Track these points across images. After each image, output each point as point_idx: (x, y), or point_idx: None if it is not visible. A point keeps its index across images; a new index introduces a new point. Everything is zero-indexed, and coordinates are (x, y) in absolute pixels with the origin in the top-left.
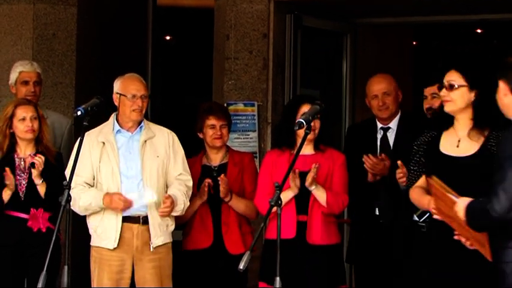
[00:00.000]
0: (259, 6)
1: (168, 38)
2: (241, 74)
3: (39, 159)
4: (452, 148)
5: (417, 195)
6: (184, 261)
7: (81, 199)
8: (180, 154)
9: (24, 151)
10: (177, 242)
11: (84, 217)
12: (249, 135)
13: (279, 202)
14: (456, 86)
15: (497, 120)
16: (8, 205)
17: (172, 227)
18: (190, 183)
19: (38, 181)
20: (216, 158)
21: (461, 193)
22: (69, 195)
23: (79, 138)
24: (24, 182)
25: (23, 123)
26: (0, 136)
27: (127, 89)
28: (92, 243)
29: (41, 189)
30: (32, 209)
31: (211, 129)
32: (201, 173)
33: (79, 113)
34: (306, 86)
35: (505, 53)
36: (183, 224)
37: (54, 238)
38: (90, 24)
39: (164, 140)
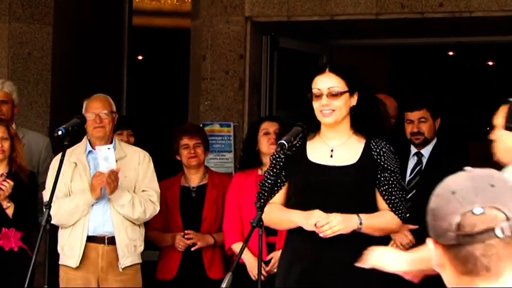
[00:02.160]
0: (236, 27)
1: (143, 58)
2: (217, 95)
3: (7, 184)
4: (325, 158)
5: (284, 212)
6: None
7: (65, 204)
8: (149, 172)
9: None
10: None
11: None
12: (224, 155)
13: (261, 223)
14: (340, 92)
15: (376, 126)
16: None
17: (141, 248)
18: (154, 198)
19: (5, 204)
20: (194, 179)
21: (339, 206)
22: (49, 216)
23: (59, 158)
24: None
25: None
26: None
27: (88, 108)
28: (59, 262)
29: (9, 211)
30: (3, 229)
31: (185, 149)
32: (179, 194)
33: (60, 132)
34: (282, 107)
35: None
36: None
37: (34, 257)
38: (65, 43)
39: (135, 160)
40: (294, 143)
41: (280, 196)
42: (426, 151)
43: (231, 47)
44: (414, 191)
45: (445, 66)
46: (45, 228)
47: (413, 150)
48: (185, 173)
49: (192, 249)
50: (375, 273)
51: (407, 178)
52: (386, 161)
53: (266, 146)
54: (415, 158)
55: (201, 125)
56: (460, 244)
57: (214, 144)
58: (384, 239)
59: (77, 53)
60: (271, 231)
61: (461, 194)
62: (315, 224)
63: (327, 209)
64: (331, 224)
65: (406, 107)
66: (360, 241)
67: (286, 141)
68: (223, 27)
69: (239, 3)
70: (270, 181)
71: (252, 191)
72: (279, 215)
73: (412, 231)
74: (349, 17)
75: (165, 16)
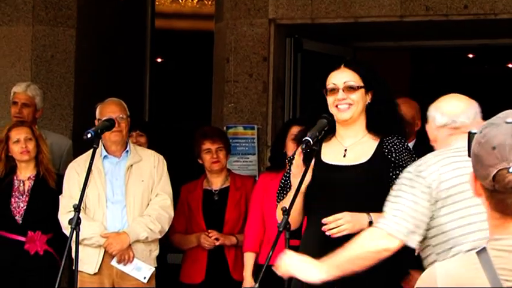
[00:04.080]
0: (260, 30)
1: (165, 60)
2: (241, 97)
3: None
4: (338, 158)
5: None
6: None
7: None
8: (164, 175)
9: (24, 173)
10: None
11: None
12: (248, 158)
13: (288, 226)
14: (357, 86)
15: (392, 125)
16: (5, 227)
17: (156, 252)
18: (168, 202)
19: None
20: (216, 182)
21: (350, 205)
22: (79, 218)
23: (81, 162)
24: (22, 205)
25: (18, 145)
26: None
27: (104, 113)
28: (78, 268)
29: None
30: (29, 232)
31: (208, 153)
32: (202, 197)
33: (89, 135)
34: (305, 109)
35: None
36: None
37: (64, 261)
38: (88, 46)
39: (150, 164)
40: (319, 137)
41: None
42: None
43: (254, 50)
44: None
45: (465, 69)
46: (76, 231)
47: None
48: (207, 176)
49: (216, 243)
50: (386, 270)
51: None
52: (398, 158)
53: (292, 151)
54: None
55: (225, 128)
56: (495, 191)
57: (237, 147)
58: None
59: (99, 55)
60: (293, 234)
61: (500, 151)
62: (322, 224)
63: (336, 209)
64: (338, 222)
65: None
66: None
67: (311, 137)
68: (246, 29)
69: (263, 5)
70: (286, 182)
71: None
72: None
73: None
74: (373, 19)
75: (185, 19)
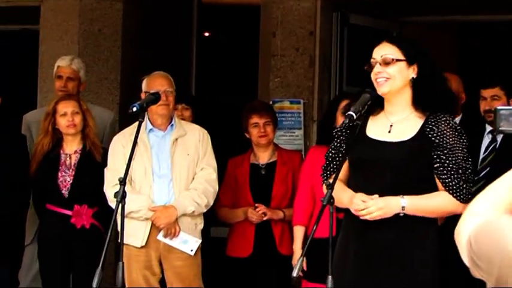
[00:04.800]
0: (306, 4)
1: (212, 34)
2: (287, 72)
3: None
4: (383, 133)
5: (337, 191)
6: (226, 267)
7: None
8: (208, 150)
9: (70, 147)
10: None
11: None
12: (294, 132)
13: (331, 201)
14: (393, 59)
15: (438, 101)
16: (52, 201)
17: (201, 226)
18: (213, 176)
19: None
20: (263, 156)
21: (390, 184)
22: (124, 192)
23: (134, 138)
24: (69, 179)
25: (64, 118)
26: (42, 133)
27: (151, 86)
28: (123, 241)
29: None
30: (75, 206)
31: (255, 127)
32: (249, 171)
33: (134, 109)
34: (352, 84)
35: None
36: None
37: (109, 234)
38: (135, 20)
39: (195, 138)
40: (363, 111)
41: (342, 172)
42: None
43: (301, 24)
44: (488, 169)
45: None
46: (122, 204)
47: (488, 128)
48: (254, 150)
49: (264, 218)
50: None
51: (482, 156)
52: (441, 138)
53: None
54: (490, 136)
55: (271, 102)
56: None
57: (284, 122)
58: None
59: (146, 29)
60: (338, 208)
61: None
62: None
63: (377, 187)
64: (369, 209)
65: (481, 83)
66: (405, 223)
67: (354, 112)
68: (293, 4)
69: None
70: (332, 155)
71: None
72: (336, 194)
73: None
74: None
75: None
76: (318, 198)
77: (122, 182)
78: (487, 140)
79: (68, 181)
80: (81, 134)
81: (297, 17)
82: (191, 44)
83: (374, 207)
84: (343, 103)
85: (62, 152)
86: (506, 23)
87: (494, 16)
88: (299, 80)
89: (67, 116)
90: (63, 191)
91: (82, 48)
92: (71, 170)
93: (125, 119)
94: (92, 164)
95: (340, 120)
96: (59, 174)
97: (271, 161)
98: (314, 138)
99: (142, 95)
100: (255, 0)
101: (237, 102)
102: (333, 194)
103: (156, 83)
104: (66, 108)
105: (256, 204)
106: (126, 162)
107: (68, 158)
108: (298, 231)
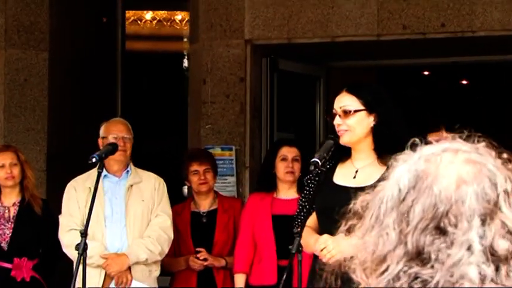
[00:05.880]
0: (236, 51)
1: (137, 83)
2: (218, 118)
3: None
4: (348, 179)
5: (305, 237)
6: None
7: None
8: (164, 198)
9: (9, 199)
10: None
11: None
12: (226, 179)
13: (300, 249)
14: (352, 111)
15: (399, 147)
16: None
17: (156, 273)
18: (167, 223)
19: None
20: (204, 204)
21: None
22: (85, 244)
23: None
24: (8, 232)
25: (2, 170)
26: None
27: (109, 132)
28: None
29: None
30: (15, 259)
31: (195, 175)
32: (190, 219)
33: (94, 159)
34: (282, 129)
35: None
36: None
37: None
38: (61, 69)
39: (150, 185)
40: (327, 157)
41: (312, 218)
42: None
43: (231, 71)
44: None
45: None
46: (83, 257)
47: None
48: (195, 198)
49: (205, 264)
50: None
51: None
52: None
53: (282, 172)
54: None
55: None
56: None
57: None
58: None
59: (72, 79)
60: (282, 254)
61: None
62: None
63: (336, 230)
64: (328, 249)
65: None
66: None
67: (319, 159)
68: (223, 50)
69: (238, 26)
70: (303, 204)
71: (266, 214)
72: (304, 240)
73: None
74: (350, 38)
75: (144, 40)
76: (259, 245)
77: (83, 233)
78: None
79: (7, 234)
80: (19, 185)
81: (227, 63)
82: (116, 93)
83: (332, 246)
84: (283, 150)
85: (0, 204)
86: (425, 66)
87: (411, 60)
88: (230, 126)
89: (5, 168)
90: (2, 244)
91: (8, 99)
92: (9, 223)
93: (54, 170)
94: (31, 216)
95: (280, 168)
96: None
97: (212, 208)
98: (247, 184)
99: (100, 141)
100: (179, 47)
101: (167, 150)
102: (301, 240)
103: (115, 128)
104: (4, 160)
105: (198, 249)
106: (79, 207)
107: (6, 211)
108: (239, 279)
